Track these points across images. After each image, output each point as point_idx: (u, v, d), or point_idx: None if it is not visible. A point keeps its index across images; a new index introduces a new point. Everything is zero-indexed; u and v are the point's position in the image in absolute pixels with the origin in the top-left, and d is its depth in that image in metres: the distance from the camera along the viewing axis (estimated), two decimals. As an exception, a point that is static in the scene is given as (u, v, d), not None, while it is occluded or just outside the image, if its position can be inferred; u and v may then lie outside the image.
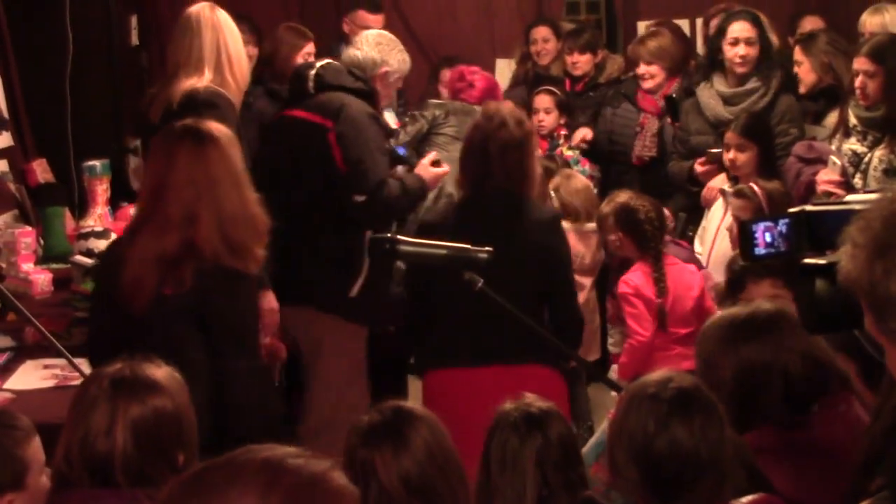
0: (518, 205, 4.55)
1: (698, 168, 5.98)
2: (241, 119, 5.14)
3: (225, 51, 5.01)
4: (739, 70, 6.06)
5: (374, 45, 5.34)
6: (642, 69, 6.75)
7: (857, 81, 5.31)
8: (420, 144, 6.01)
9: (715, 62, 6.16)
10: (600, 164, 7.10)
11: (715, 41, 6.18)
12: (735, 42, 6.04)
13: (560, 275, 4.58)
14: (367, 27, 7.38)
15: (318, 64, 5.24)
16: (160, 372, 2.94)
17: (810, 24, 7.42)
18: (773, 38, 6.43)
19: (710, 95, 6.12)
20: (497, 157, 4.52)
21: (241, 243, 3.77)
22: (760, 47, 6.07)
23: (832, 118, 5.76)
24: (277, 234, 4.09)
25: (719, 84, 6.11)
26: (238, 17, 7.07)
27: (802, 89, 6.08)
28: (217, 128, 3.89)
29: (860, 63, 5.30)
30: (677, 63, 6.74)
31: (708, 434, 2.60)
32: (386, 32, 5.64)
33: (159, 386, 2.88)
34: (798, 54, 6.17)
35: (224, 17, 5.11)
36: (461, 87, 6.25)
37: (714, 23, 7.00)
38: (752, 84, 6.06)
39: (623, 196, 5.41)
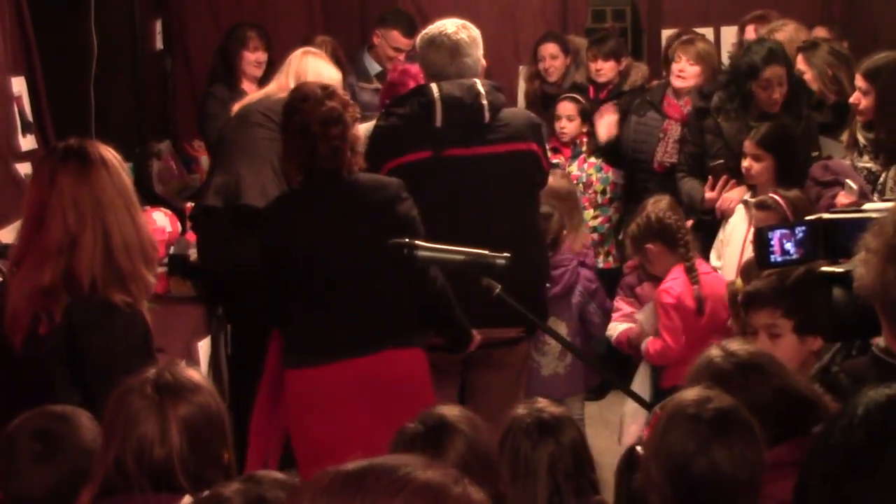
0: (355, 182, 4.43)
1: (708, 195, 5.97)
2: None
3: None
4: (772, 110, 5.96)
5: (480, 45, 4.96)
6: (683, 65, 6.71)
7: (853, 97, 5.41)
8: None
9: (742, 100, 6.02)
10: (623, 171, 7.12)
11: (743, 80, 5.99)
12: (769, 86, 5.91)
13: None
14: (397, 48, 7.47)
15: (483, 91, 4.75)
16: (193, 371, 2.92)
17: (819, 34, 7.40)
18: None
19: (737, 126, 6.01)
20: (321, 134, 4.36)
21: (130, 270, 3.51)
22: (789, 83, 5.99)
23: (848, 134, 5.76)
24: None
25: (747, 119, 5.99)
26: (249, 25, 7.18)
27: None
28: (105, 149, 3.62)
29: (857, 79, 5.40)
30: (712, 71, 6.71)
31: (747, 456, 2.59)
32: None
33: (200, 385, 2.86)
34: (801, 63, 6.15)
35: (311, 62, 5.73)
36: (406, 81, 5.80)
37: (750, 28, 6.96)
38: (782, 120, 5.97)
39: (650, 206, 5.44)
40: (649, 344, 5.36)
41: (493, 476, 2.89)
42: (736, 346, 3.17)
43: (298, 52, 5.89)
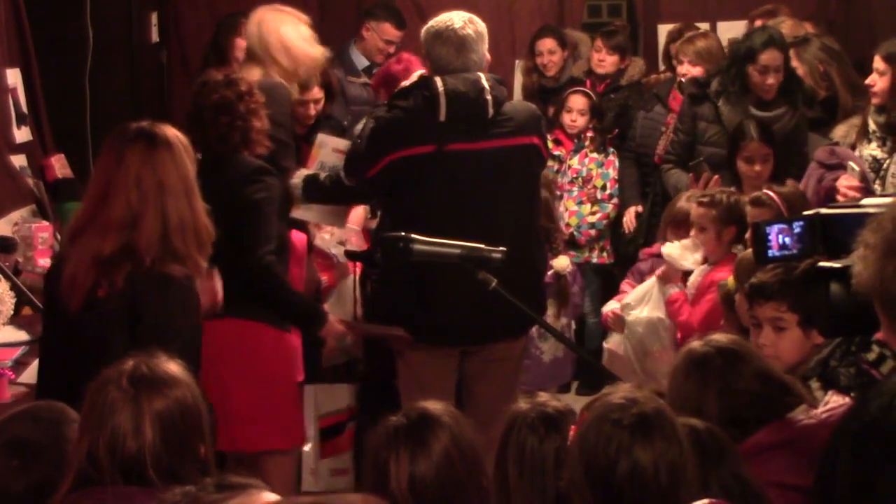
0: (221, 163, 4.60)
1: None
2: None
3: (265, 44, 5.44)
4: (766, 97, 6.00)
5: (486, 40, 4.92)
6: (686, 68, 6.72)
7: (869, 78, 5.43)
8: None
9: (742, 83, 6.03)
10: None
11: (742, 63, 6.02)
12: (765, 70, 5.94)
13: (243, 224, 4.50)
14: (389, 41, 7.46)
15: (487, 86, 4.71)
16: (172, 365, 2.91)
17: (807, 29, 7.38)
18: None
19: (737, 112, 6.02)
20: (210, 121, 4.58)
21: (183, 252, 3.69)
22: (786, 71, 6.03)
23: (840, 131, 5.76)
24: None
25: (748, 105, 6.02)
26: (239, 13, 7.15)
27: None
28: (173, 133, 3.81)
29: (875, 61, 5.42)
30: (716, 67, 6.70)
31: (669, 457, 2.58)
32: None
33: (176, 379, 2.86)
34: (792, 58, 6.15)
35: (267, 14, 5.53)
36: (398, 69, 5.67)
37: (758, 23, 6.94)
38: (780, 109, 6.01)
39: (734, 195, 5.34)
40: (680, 310, 5.26)
41: (478, 471, 2.88)
42: (715, 336, 3.23)
43: (257, 10, 5.69)
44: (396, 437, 2.84)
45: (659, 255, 5.58)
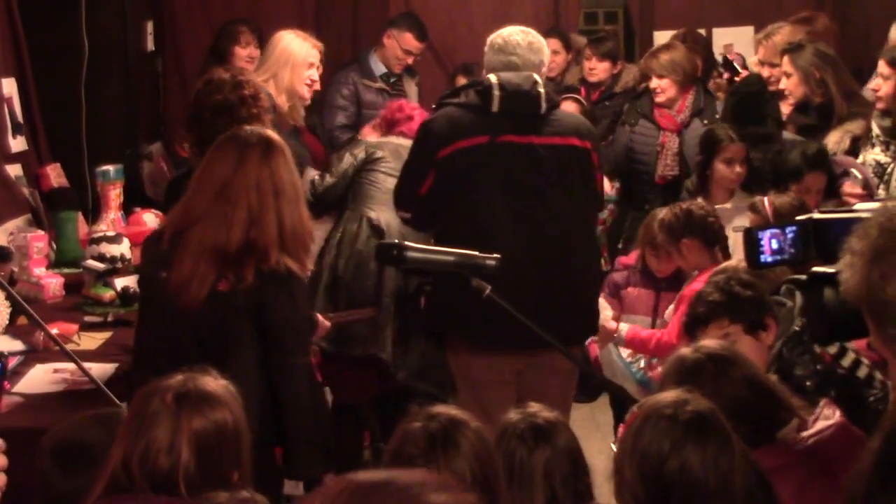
0: None
1: None
2: None
3: (272, 64, 5.94)
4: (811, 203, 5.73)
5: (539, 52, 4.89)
6: (654, 83, 6.69)
7: (873, 83, 5.47)
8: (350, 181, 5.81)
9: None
10: (621, 178, 7.08)
11: (783, 176, 5.68)
12: (806, 191, 5.44)
13: None
14: (408, 51, 7.56)
15: (537, 80, 4.71)
16: (219, 386, 2.88)
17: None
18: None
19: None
20: (209, 122, 4.53)
21: (294, 255, 3.88)
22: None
23: (834, 137, 5.75)
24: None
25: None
26: (240, 21, 7.19)
27: (791, 101, 6.08)
28: (282, 141, 4.00)
29: (880, 65, 5.49)
30: (689, 77, 6.66)
31: (720, 463, 2.58)
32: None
33: (221, 400, 2.83)
34: (786, 65, 6.13)
35: (284, 38, 6.01)
36: (400, 118, 5.93)
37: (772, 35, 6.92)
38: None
39: (692, 204, 5.33)
40: (649, 334, 5.26)
41: (496, 466, 2.87)
42: (704, 342, 3.23)
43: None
44: (433, 444, 2.79)
45: (633, 266, 5.60)
